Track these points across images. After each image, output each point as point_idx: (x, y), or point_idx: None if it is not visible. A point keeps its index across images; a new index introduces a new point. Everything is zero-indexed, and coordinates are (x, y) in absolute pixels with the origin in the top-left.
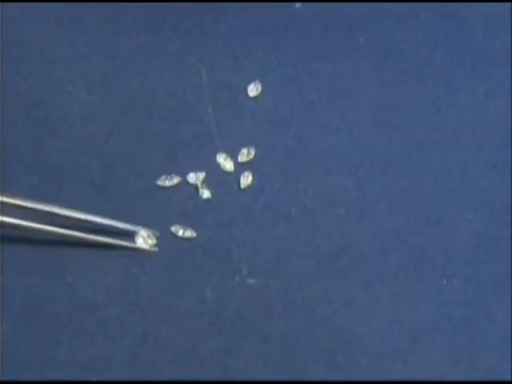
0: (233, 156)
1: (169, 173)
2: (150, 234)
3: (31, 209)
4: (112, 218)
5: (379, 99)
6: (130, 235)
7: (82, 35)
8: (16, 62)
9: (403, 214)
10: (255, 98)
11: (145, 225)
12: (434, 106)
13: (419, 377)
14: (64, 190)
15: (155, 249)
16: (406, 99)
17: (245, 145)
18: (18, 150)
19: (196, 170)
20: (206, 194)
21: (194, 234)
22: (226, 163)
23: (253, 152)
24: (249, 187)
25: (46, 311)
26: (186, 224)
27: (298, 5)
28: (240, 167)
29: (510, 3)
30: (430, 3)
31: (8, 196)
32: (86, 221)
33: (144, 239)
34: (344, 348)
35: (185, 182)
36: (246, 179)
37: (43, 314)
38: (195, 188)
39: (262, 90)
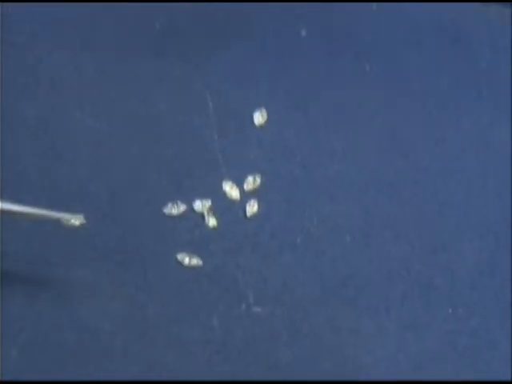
0: (239, 184)
1: (175, 200)
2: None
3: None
4: (119, 245)
5: (385, 126)
6: None
7: (89, 61)
8: (23, 88)
9: (409, 242)
10: (261, 125)
11: (151, 253)
12: (439, 133)
13: None
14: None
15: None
16: (411, 127)
17: (250, 172)
18: (25, 176)
19: (202, 197)
20: (212, 221)
21: (200, 263)
22: (231, 191)
23: (258, 180)
24: (255, 215)
25: (52, 338)
26: (192, 252)
27: (304, 32)
28: (246, 195)
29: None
30: (435, 31)
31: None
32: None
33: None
34: (350, 376)
35: (191, 209)
36: (252, 207)
37: (49, 341)
38: (201, 216)
39: (267, 118)
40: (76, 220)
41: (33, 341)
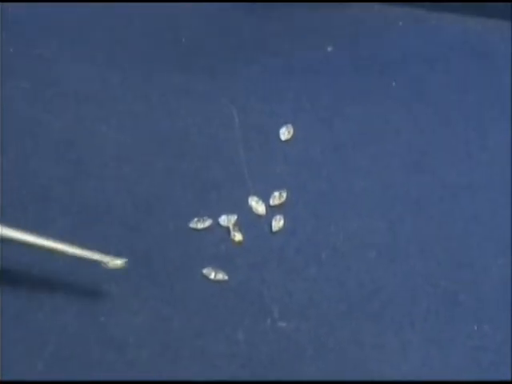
0: (264, 199)
1: (201, 215)
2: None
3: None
4: (145, 259)
5: (411, 142)
6: None
7: (115, 75)
8: (49, 102)
9: (434, 258)
10: (287, 141)
11: (177, 267)
12: (465, 149)
13: None
14: (96, 230)
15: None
16: (437, 143)
17: (276, 188)
18: (51, 190)
19: (228, 212)
20: (237, 236)
21: (226, 277)
22: (257, 206)
23: (284, 195)
24: (280, 230)
25: (79, 351)
26: (217, 267)
27: (330, 48)
28: (272, 210)
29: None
30: (461, 47)
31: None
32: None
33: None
34: None
35: (217, 224)
36: (278, 222)
37: (76, 353)
38: (227, 230)
39: (293, 133)
40: (117, 262)
41: (58, 354)
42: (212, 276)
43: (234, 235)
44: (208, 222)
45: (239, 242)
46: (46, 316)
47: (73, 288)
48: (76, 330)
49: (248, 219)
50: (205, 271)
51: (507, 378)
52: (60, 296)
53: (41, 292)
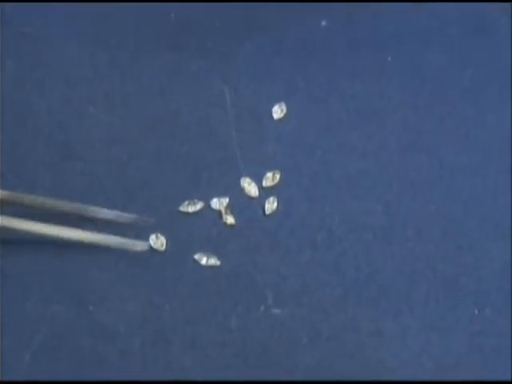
0: (257, 181)
1: (192, 198)
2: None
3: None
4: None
5: (407, 121)
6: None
7: (104, 55)
8: (36, 83)
9: (433, 241)
10: (280, 120)
11: (167, 252)
12: (464, 128)
13: None
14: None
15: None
16: (434, 121)
17: (269, 169)
18: (39, 173)
19: (219, 195)
20: (229, 220)
21: (218, 262)
22: (250, 188)
23: (278, 176)
24: (274, 213)
25: (68, 341)
26: (209, 251)
27: (323, 22)
28: (265, 192)
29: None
30: (458, 21)
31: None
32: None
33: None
34: (372, 380)
35: (208, 207)
36: (271, 205)
37: (64, 343)
38: (219, 214)
39: (286, 112)
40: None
41: (47, 344)
42: (204, 261)
43: (226, 218)
44: (199, 205)
45: (231, 226)
46: (33, 306)
47: (60, 276)
48: (64, 320)
49: (240, 202)
50: (196, 256)
51: (508, 364)
52: (47, 285)
53: (28, 281)
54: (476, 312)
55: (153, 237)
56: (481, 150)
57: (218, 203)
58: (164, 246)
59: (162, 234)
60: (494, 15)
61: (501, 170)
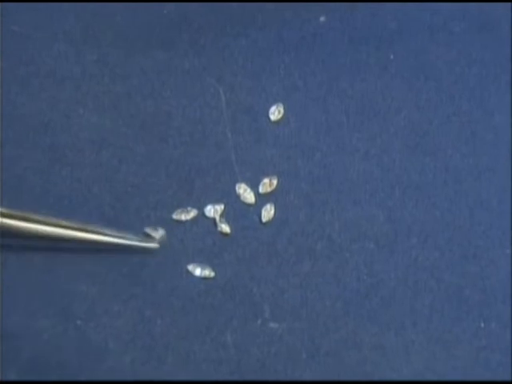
0: (253, 186)
1: (185, 205)
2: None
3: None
4: (125, 254)
5: (411, 121)
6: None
7: (93, 53)
8: (22, 83)
9: (437, 249)
10: (277, 121)
11: (159, 263)
12: (470, 128)
13: None
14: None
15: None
16: (439, 121)
17: (266, 174)
18: (24, 178)
19: (214, 202)
20: (224, 228)
21: (213, 274)
22: (246, 195)
23: (275, 182)
24: (271, 221)
25: (55, 357)
26: (203, 262)
27: (322, 18)
28: (261, 199)
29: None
30: (461, 17)
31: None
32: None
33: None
34: None
35: (202, 215)
36: (268, 212)
37: (52, 360)
38: (213, 222)
39: (284, 113)
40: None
41: (33, 361)
42: (197, 272)
43: (221, 227)
44: (193, 213)
45: (226, 235)
46: (18, 320)
47: (46, 289)
48: (51, 335)
49: (236, 209)
50: (190, 267)
51: None
52: (33, 298)
53: (13, 294)
54: (482, 325)
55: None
56: (488, 152)
57: (213, 211)
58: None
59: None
60: (498, 10)
61: (509, 173)
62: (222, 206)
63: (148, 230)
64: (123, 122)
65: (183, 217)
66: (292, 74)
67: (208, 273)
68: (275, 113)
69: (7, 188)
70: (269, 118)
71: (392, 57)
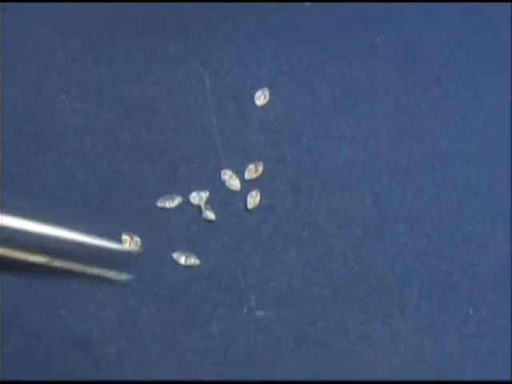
0: (239, 173)
1: (169, 192)
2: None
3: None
4: (108, 240)
5: (398, 106)
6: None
7: (76, 38)
8: (4, 69)
9: (426, 235)
10: (263, 106)
11: (144, 251)
12: (459, 112)
13: None
14: (56, 210)
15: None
16: (427, 105)
17: (252, 160)
18: (7, 166)
19: (199, 188)
20: (209, 215)
21: (198, 262)
22: (231, 181)
23: (261, 168)
24: (257, 207)
25: (39, 349)
26: (188, 250)
27: (308, 2)
28: (247, 185)
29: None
30: None
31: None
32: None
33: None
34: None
35: (187, 202)
36: (254, 198)
37: (36, 351)
38: (198, 209)
39: (270, 98)
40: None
41: (17, 353)
42: (182, 260)
43: (206, 214)
44: (177, 200)
45: (211, 222)
46: (2, 311)
47: (30, 280)
48: (35, 326)
49: (221, 196)
50: (175, 255)
51: (507, 368)
52: (17, 289)
53: None
54: (471, 312)
55: (126, 237)
56: (478, 135)
57: (198, 198)
58: (139, 246)
59: (137, 232)
60: None
61: (499, 157)
62: (207, 193)
63: (124, 238)
64: (107, 108)
65: (168, 204)
66: (278, 59)
67: (193, 261)
68: (261, 98)
69: None
70: (254, 103)
71: (379, 40)
